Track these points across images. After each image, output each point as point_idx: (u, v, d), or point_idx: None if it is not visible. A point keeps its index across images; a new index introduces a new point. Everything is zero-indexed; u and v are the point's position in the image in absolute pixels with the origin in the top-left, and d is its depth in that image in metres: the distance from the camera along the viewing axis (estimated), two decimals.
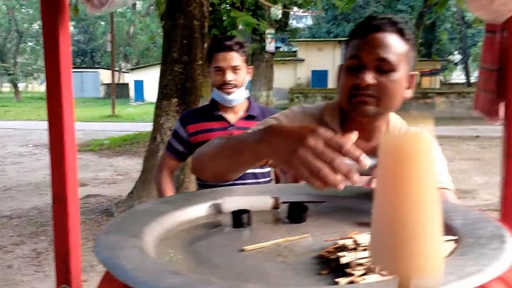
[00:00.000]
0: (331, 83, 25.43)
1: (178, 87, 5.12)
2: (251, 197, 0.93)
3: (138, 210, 0.85)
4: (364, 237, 0.64)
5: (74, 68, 41.23)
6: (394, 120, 1.22)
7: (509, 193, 1.00)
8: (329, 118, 1.21)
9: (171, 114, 5.03)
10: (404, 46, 1.08)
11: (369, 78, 1.05)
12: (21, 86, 39.26)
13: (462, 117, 18.48)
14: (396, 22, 1.08)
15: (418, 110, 19.13)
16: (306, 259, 0.66)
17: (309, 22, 38.19)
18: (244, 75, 1.98)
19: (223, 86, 1.93)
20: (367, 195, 0.90)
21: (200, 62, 5.24)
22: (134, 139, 11.76)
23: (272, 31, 16.02)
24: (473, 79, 38.79)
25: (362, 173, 0.89)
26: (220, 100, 1.98)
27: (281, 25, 17.79)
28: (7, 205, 5.73)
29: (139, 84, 32.18)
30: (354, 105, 1.09)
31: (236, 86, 1.94)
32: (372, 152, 1.11)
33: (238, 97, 1.98)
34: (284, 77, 25.70)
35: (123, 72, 42.19)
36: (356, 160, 0.72)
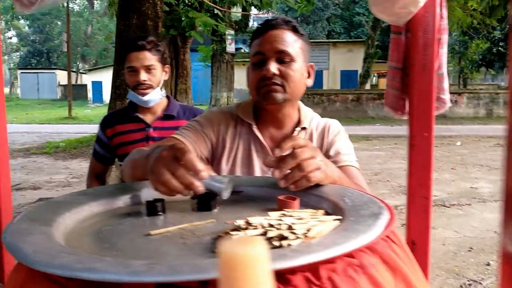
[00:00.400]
0: None
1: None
2: None
3: (55, 201, 0.88)
4: (256, 219, 0.70)
5: (29, 69, 39.96)
6: (304, 110, 1.35)
7: (413, 183, 1.09)
8: (242, 114, 1.34)
9: None
10: (299, 40, 1.25)
11: (273, 68, 1.20)
12: None
13: None
14: (289, 21, 1.25)
15: (376, 111, 19.64)
16: (205, 241, 0.72)
17: None
18: (159, 74, 1.94)
19: (137, 87, 1.90)
20: (274, 183, 0.96)
21: None
22: (90, 141, 11.53)
23: (232, 32, 16.07)
24: None
25: (268, 165, 0.96)
26: (135, 101, 1.95)
27: (241, 26, 17.87)
28: None
29: (97, 85, 31.52)
30: (263, 95, 1.23)
31: (151, 86, 1.91)
32: (284, 138, 1.23)
33: (154, 98, 1.94)
34: (245, 78, 25.69)
35: (81, 73, 41.22)
36: (195, 171, 0.83)
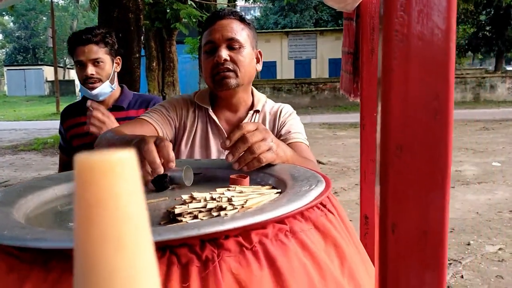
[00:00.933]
0: (280, 74, 25.72)
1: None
2: None
3: (20, 185, 0.93)
4: (200, 194, 0.76)
5: (16, 65, 39.51)
6: (258, 94, 1.44)
7: (364, 159, 1.15)
8: (199, 100, 1.43)
9: None
10: (246, 28, 1.34)
11: (224, 54, 1.29)
12: None
13: None
14: (235, 12, 1.34)
15: None
16: (155, 215, 0.78)
17: (257, 13, 38.34)
18: (108, 67, 1.89)
19: (86, 81, 1.86)
20: (227, 165, 1.04)
21: (137, 55, 5.25)
22: None
23: None
24: None
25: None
26: (86, 95, 1.92)
27: None
28: None
29: None
30: (217, 81, 1.31)
31: (99, 80, 1.87)
32: (239, 121, 1.34)
33: (103, 91, 1.90)
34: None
35: (68, 68, 40.84)
36: (167, 160, 0.89)
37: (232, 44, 1.31)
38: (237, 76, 1.32)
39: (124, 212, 0.30)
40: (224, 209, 0.69)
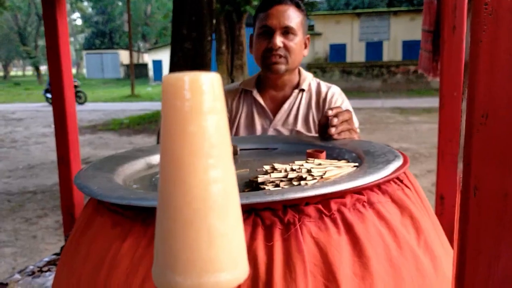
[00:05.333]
0: (350, 56, 25.17)
1: (188, 64, 5.27)
2: None
3: (116, 156, 1.03)
4: (280, 165, 0.81)
5: (93, 49, 41.70)
6: (304, 74, 1.50)
7: (442, 139, 1.15)
8: (245, 85, 1.52)
9: None
10: (300, 16, 1.39)
11: (279, 41, 1.35)
12: (43, 69, 39.99)
13: None
14: None
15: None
16: (239, 184, 0.83)
17: None
18: None
19: None
20: (301, 141, 1.09)
21: (209, 38, 5.37)
22: (152, 118, 12.03)
23: None
24: None
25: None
26: None
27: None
28: (32, 181, 6.05)
29: (157, 64, 32.41)
30: (267, 65, 1.38)
31: None
32: (284, 99, 1.46)
33: None
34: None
35: (142, 52, 42.49)
36: None
37: (287, 31, 1.37)
38: (287, 62, 1.39)
39: (211, 127, 0.33)
40: (304, 179, 0.73)
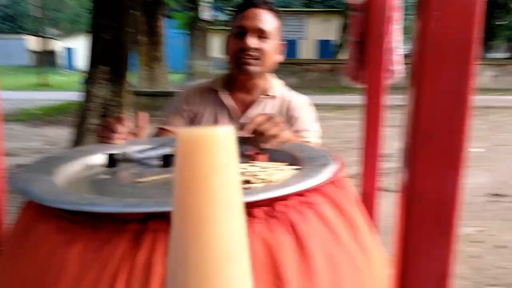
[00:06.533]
0: None
1: (107, 55, 5.08)
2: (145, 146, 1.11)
3: (54, 156, 1.00)
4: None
5: None
6: (273, 81, 1.52)
7: (367, 139, 1.25)
8: (215, 85, 1.50)
9: (100, 82, 5.01)
10: (275, 21, 1.42)
11: (252, 42, 1.36)
12: None
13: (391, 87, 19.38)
14: (267, 2, 1.41)
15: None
16: None
17: None
18: None
19: None
20: (240, 143, 1.13)
21: (130, 29, 5.22)
22: (67, 109, 11.42)
23: None
24: None
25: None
26: None
27: None
28: None
29: (70, 52, 30.75)
30: (239, 65, 1.39)
31: None
32: (251, 103, 1.40)
33: None
34: (222, 47, 25.49)
35: (52, 38, 40.04)
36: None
37: (261, 34, 1.38)
38: (259, 64, 1.40)
39: (224, 181, 0.35)
40: (251, 182, 0.78)
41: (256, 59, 1.39)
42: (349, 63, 1.35)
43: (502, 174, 6.15)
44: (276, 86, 1.52)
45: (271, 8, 1.42)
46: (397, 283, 0.55)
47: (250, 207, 0.71)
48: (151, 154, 1.04)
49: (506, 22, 21.36)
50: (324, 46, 25.62)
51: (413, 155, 0.48)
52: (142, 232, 0.69)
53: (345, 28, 22.01)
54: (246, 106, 1.48)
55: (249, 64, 1.39)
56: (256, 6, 1.40)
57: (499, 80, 19.95)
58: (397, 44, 1.26)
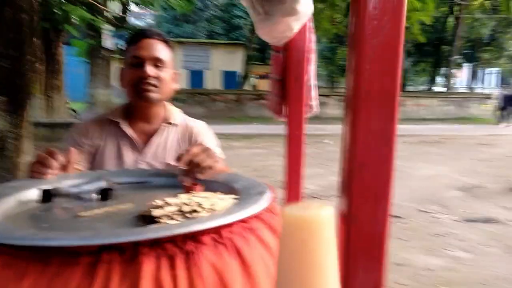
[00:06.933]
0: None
1: (5, 84, 4.80)
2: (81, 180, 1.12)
3: None
4: (171, 199, 0.89)
5: None
6: (171, 108, 1.59)
7: (291, 173, 1.36)
8: (112, 116, 1.52)
9: None
10: (168, 51, 1.50)
11: (151, 70, 1.43)
12: None
13: None
14: (161, 34, 1.50)
15: (255, 110, 20.47)
16: (130, 219, 0.88)
17: (150, 21, 37.69)
18: None
19: None
20: (174, 174, 1.17)
21: (30, 57, 4.98)
22: None
23: (110, 27, 15.55)
24: None
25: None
26: None
27: (120, 22, 17.31)
28: None
29: None
30: (140, 94, 1.44)
31: None
32: (153, 132, 1.50)
33: None
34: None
35: None
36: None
37: (157, 63, 1.45)
38: (158, 92, 1.46)
39: (323, 259, 0.41)
40: (197, 212, 0.83)
41: (155, 86, 1.45)
42: (271, 99, 1.46)
43: (395, 197, 6.70)
44: (176, 113, 1.58)
45: (164, 39, 1.50)
46: None
47: (199, 234, 0.77)
48: (85, 188, 1.04)
49: None
50: (229, 77, 26.21)
51: (350, 183, 0.57)
52: (96, 265, 0.71)
53: (248, 60, 22.77)
54: (148, 135, 1.51)
55: (149, 91, 1.44)
56: (150, 37, 1.46)
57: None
58: (313, 82, 1.40)
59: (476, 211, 6.08)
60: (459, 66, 29.19)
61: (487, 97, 20.08)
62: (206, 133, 1.59)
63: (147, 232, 0.71)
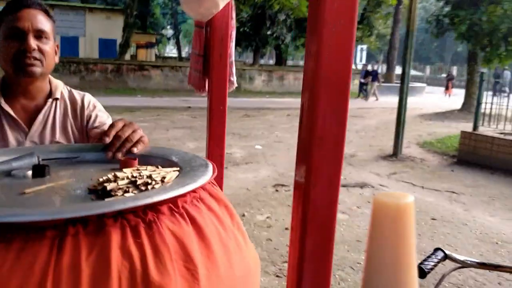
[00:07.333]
0: None
1: None
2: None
3: None
4: (121, 173, 0.91)
5: None
6: (55, 82, 1.50)
7: (211, 145, 1.43)
8: None
9: None
10: (50, 21, 1.40)
11: (33, 43, 1.33)
12: None
13: (175, 89, 20.08)
14: (42, 3, 1.39)
15: (136, 82, 19.80)
16: (79, 193, 0.89)
17: None
18: None
19: None
20: (103, 149, 1.17)
21: None
22: None
23: None
24: (184, 54, 42.08)
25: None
26: None
27: None
28: None
29: None
30: (21, 68, 1.34)
31: None
32: (37, 109, 1.41)
33: None
34: None
35: None
36: None
37: (40, 35, 1.35)
38: (42, 65, 1.36)
39: (409, 242, 0.52)
40: (149, 184, 0.87)
41: (39, 60, 1.35)
42: (191, 73, 1.49)
43: (281, 167, 7.12)
44: (58, 87, 1.49)
45: (45, 9, 1.40)
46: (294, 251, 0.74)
47: (158, 205, 0.81)
48: (16, 165, 1.00)
49: (274, 32, 24.23)
50: (107, 45, 24.80)
51: (310, 155, 0.67)
52: (62, 238, 0.72)
53: (128, 27, 21.77)
54: (32, 113, 1.42)
55: (33, 65, 1.34)
56: (31, 6, 1.35)
57: (269, 85, 22.57)
58: (232, 59, 1.47)
59: (352, 177, 6.72)
60: None
61: (358, 72, 21.84)
62: (97, 105, 1.53)
63: (112, 205, 0.74)
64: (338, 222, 4.87)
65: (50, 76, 1.48)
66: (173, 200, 0.84)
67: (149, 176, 0.90)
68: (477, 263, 1.42)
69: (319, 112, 0.65)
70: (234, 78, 1.49)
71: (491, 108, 8.59)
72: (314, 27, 0.66)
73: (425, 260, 1.35)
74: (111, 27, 24.12)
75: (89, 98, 1.53)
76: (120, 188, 0.85)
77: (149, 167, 1.01)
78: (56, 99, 1.45)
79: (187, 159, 1.07)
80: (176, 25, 35.50)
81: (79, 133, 1.47)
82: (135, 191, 0.86)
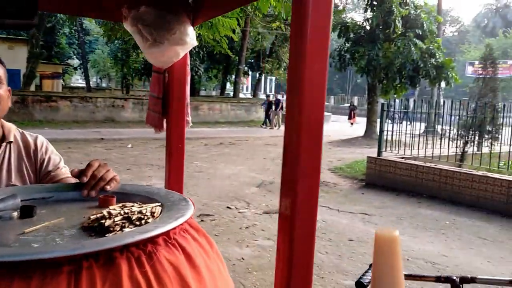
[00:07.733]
0: None
1: None
2: None
3: None
4: (113, 210, 1.00)
5: None
6: (7, 125, 1.53)
7: (172, 180, 1.53)
8: None
9: None
10: (2, 67, 1.44)
11: None
12: None
13: (86, 121, 19.38)
14: None
15: (43, 114, 18.84)
16: (75, 231, 0.96)
17: None
18: None
19: None
20: (78, 188, 1.24)
21: None
22: None
23: None
24: (92, 84, 40.72)
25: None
26: None
27: None
28: None
29: None
30: None
31: None
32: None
33: None
34: None
35: None
36: None
37: None
38: None
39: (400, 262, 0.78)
40: (142, 219, 0.97)
41: None
42: (149, 114, 1.60)
43: (203, 197, 7.20)
44: (11, 130, 1.51)
45: None
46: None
47: (155, 237, 0.92)
48: (0, 207, 1.04)
49: None
50: (10, 76, 23.28)
51: (295, 187, 0.82)
52: (78, 272, 0.81)
53: (32, 58, 20.74)
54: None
55: None
56: None
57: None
58: (188, 101, 1.60)
59: (274, 204, 6.97)
60: (245, 74, 32.25)
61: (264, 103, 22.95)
62: (49, 147, 1.56)
63: (121, 239, 0.84)
64: (265, 249, 5.04)
65: (1, 119, 1.48)
66: (167, 233, 0.95)
67: (140, 212, 1.00)
68: (405, 275, 1.65)
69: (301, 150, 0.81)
70: (189, 118, 1.62)
71: (392, 135, 9.42)
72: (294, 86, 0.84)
73: (363, 275, 1.54)
74: (15, 57, 22.81)
75: (41, 140, 1.55)
76: (117, 224, 0.94)
77: (136, 204, 1.10)
78: (10, 142, 1.46)
79: (163, 194, 1.18)
80: (83, 55, 34.44)
81: (33, 175, 1.49)
82: (131, 226, 0.95)
